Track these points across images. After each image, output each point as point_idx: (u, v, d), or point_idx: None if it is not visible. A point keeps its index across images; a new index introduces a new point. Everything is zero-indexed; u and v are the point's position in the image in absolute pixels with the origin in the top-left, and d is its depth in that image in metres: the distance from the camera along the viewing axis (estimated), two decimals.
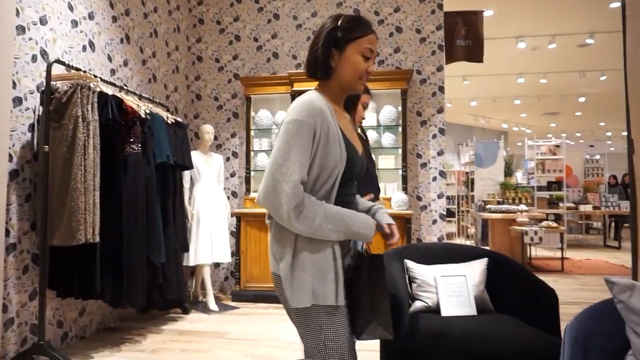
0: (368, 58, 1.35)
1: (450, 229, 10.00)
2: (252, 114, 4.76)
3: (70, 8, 3.25)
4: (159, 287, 3.44)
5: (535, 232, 5.96)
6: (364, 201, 1.58)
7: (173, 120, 3.82)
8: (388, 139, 4.49)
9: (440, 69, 4.68)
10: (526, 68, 8.58)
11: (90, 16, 3.46)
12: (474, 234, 9.02)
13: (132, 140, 3.16)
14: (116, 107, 3.00)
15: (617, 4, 5.62)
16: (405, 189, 4.37)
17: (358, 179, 1.48)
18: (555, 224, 6.66)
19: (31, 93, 2.88)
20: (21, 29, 2.81)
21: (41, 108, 2.88)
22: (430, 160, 4.67)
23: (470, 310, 2.20)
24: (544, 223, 6.52)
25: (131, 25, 4.00)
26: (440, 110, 4.67)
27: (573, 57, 7.95)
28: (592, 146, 18.11)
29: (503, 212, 6.88)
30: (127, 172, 3.10)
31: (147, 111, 3.39)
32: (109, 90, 3.07)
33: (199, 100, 5.11)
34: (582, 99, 10.80)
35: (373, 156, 3.17)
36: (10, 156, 2.72)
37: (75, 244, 2.65)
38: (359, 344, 1.99)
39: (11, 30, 2.72)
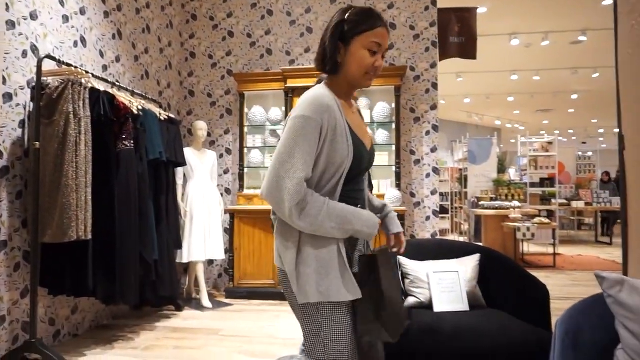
0: (375, 52, 1.31)
1: (443, 226, 10.05)
2: (246, 110, 4.74)
3: (61, 3, 3.21)
4: (152, 284, 3.43)
5: (528, 229, 6.00)
6: (377, 200, 1.56)
7: (166, 117, 3.80)
8: (381, 135, 4.49)
9: (433, 65, 4.69)
10: (519, 65, 8.62)
11: (82, 11, 3.43)
12: (467, 230, 9.08)
13: (124, 136, 3.14)
14: (108, 103, 2.98)
15: (610, 2, 5.65)
16: (398, 186, 4.38)
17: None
18: (547, 220, 6.71)
19: (22, 89, 2.85)
20: (11, 24, 2.78)
21: (32, 104, 2.85)
22: (423, 157, 4.68)
23: (462, 306, 2.21)
24: (537, 219, 6.57)
25: (123, 20, 3.97)
26: (434, 107, 4.68)
27: (566, 55, 8.00)
28: (584, 143, 18.26)
29: (496, 208, 6.92)
30: (119, 168, 3.08)
31: (140, 107, 3.36)
32: (101, 87, 3.05)
33: (192, 97, 5.08)
34: (574, 96, 10.86)
35: None
36: (1, 153, 2.70)
37: (67, 241, 2.63)
38: None
39: (1, 25, 2.69)
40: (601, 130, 16.18)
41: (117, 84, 3.54)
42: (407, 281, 2.36)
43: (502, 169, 9.38)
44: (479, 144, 8.81)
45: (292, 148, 1.22)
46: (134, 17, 4.14)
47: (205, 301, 4.12)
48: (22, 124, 2.85)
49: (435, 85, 4.69)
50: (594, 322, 1.38)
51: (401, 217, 4.13)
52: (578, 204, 9.25)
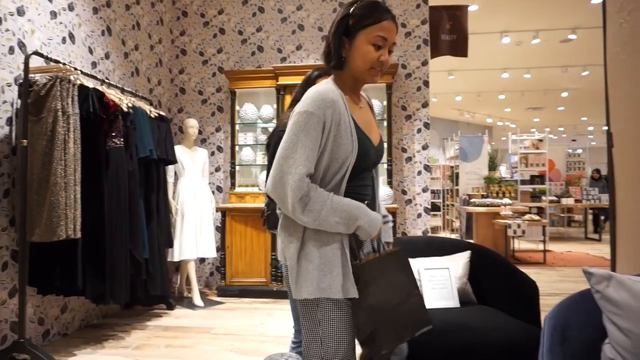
0: (380, 47, 1.27)
1: (435, 223, 10.11)
2: (237, 108, 4.72)
3: None
4: (143, 283, 3.41)
5: (519, 225, 6.05)
6: (382, 206, 1.53)
7: (156, 114, 3.77)
8: None
9: (425, 63, 4.70)
10: (510, 63, 8.66)
11: (70, 7, 3.38)
12: (458, 227, 9.13)
13: (114, 134, 3.11)
14: (97, 100, 2.95)
15: (599, 0, 5.69)
16: (390, 183, 4.39)
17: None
18: (537, 217, 6.77)
19: (9, 86, 2.81)
20: None
21: (19, 101, 2.81)
22: (415, 155, 4.69)
23: (453, 302, 2.23)
24: (527, 216, 6.63)
25: (113, 17, 3.93)
26: (425, 105, 4.69)
27: (556, 53, 8.05)
28: (574, 140, 18.43)
29: (487, 205, 6.96)
30: (109, 166, 3.05)
31: (130, 105, 3.34)
32: (90, 84, 3.02)
33: (183, 94, 5.05)
34: (564, 94, 10.95)
35: None
36: None
37: (56, 239, 2.61)
38: None
39: None
40: (591, 128, 16.34)
41: (107, 81, 3.50)
42: None
43: (493, 166, 9.45)
44: (470, 142, 8.85)
45: (295, 144, 1.22)
46: (123, 13, 4.10)
47: (197, 299, 4.10)
48: (9, 121, 2.81)
49: (426, 83, 4.70)
50: (582, 318, 1.39)
51: (393, 214, 4.14)
52: (568, 201, 9.34)
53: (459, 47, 5.14)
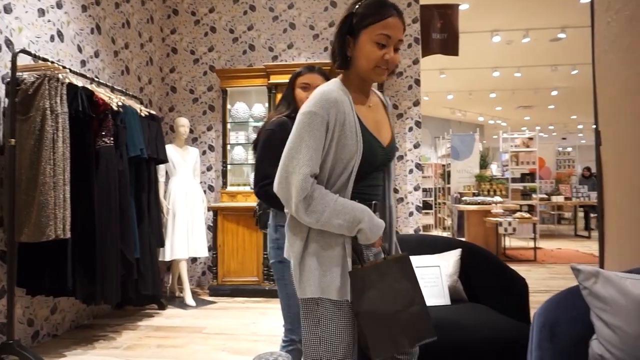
0: (384, 45, 1.24)
1: (427, 221, 10.15)
2: (229, 106, 4.70)
3: None
4: (134, 283, 3.39)
5: (509, 223, 6.10)
6: (393, 209, 1.50)
7: (147, 113, 3.74)
8: None
9: (416, 62, 4.71)
10: (501, 62, 8.71)
11: (59, 5, 3.35)
12: (450, 225, 9.18)
13: (104, 133, 3.08)
14: (87, 99, 2.93)
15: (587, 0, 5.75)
16: None
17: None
18: (528, 215, 6.82)
19: None
20: None
21: (6, 100, 2.78)
22: (406, 153, 4.71)
23: (444, 300, 2.24)
24: (518, 214, 6.68)
25: (102, 15, 3.89)
26: (417, 103, 4.70)
27: (546, 52, 8.11)
28: (564, 139, 18.59)
29: (478, 203, 7.01)
30: (99, 165, 3.03)
31: (120, 104, 3.31)
32: (79, 82, 2.99)
33: (174, 93, 5.02)
34: (554, 93, 11.04)
35: None
36: None
37: (45, 240, 2.58)
38: None
39: None
40: (580, 126, 16.49)
41: (97, 79, 3.47)
42: None
43: (484, 164, 9.51)
44: (461, 140, 8.90)
45: (299, 144, 1.23)
46: (113, 11, 4.06)
47: (189, 299, 4.08)
48: None
49: (417, 82, 4.71)
50: (571, 314, 1.41)
51: None
52: (558, 199, 9.43)
53: (449, 46, 5.16)
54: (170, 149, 4.12)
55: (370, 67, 1.27)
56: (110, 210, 3.05)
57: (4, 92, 2.81)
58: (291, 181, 1.22)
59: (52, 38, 3.27)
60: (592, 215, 9.81)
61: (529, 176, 8.97)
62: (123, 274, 3.20)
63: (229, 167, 4.67)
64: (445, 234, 8.99)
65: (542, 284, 4.85)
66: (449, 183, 9.17)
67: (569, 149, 12.76)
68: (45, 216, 2.58)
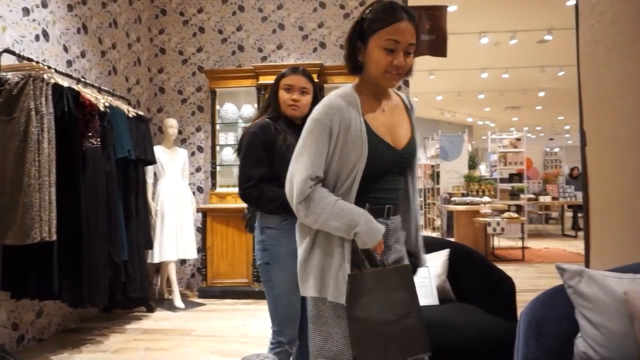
0: (392, 50, 1.23)
1: None
2: (218, 107, 4.68)
3: None
4: (122, 286, 3.35)
5: (498, 223, 6.15)
6: (419, 242, 1.47)
7: (134, 114, 3.71)
8: None
9: None
10: (489, 63, 8.79)
11: (44, 4, 3.30)
12: (439, 225, 9.23)
13: (90, 134, 3.05)
14: (73, 100, 2.89)
15: (574, 2, 5.82)
16: None
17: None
18: (516, 215, 6.89)
19: None
20: None
21: None
22: None
23: (432, 300, 2.25)
24: (506, 214, 6.74)
25: (88, 14, 3.85)
26: None
27: (533, 53, 8.20)
28: (551, 139, 18.81)
29: (467, 204, 7.05)
30: (86, 167, 2.99)
31: (107, 104, 3.28)
32: (65, 83, 2.95)
33: (162, 94, 4.98)
34: (542, 94, 11.16)
35: None
36: None
37: (30, 242, 2.54)
38: None
39: None
40: (567, 127, 16.70)
41: (83, 79, 3.43)
42: None
43: (473, 165, 9.58)
44: (450, 141, 8.96)
45: (303, 149, 1.29)
46: (99, 11, 4.02)
47: (178, 301, 4.05)
48: None
49: (406, 83, 4.73)
50: (556, 313, 1.42)
51: None
52: (545, 199, 9.53)
53: (438, 47, 5.18)
54: (158, 150, 4.09)
55: (380, 73, 1.27)
56: (98, 212, 3.02)
57: None
58: (293, 182, 1.28)
59: (37, 38, 3.23)
60: (579, 214, 9.94)
61: (517, 176, 9.06)
62: (111, 277, 3.16)
63: (218, 168, 4.64)
64: (434, 234, 9.04)
65: (530, 283, 4.90)
66: (438, 183, 9.22)
67: (556, 150, 12.90)
68: (30, 218, 2.54)
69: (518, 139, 8.97)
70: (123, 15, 4.41)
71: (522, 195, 8.87)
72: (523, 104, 12.62)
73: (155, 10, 4.99)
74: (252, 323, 3.56)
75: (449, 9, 5.47)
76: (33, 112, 2.60)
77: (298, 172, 1.27)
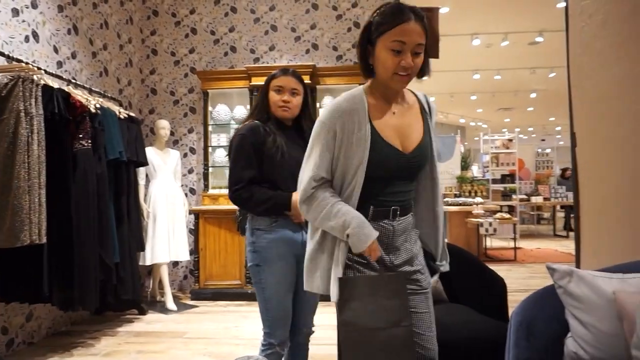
0: (399, 52, 1.23)
1: None
2: (210, 108, 4.67)
3: None
4: (113, 288, 3.33)
5: (490, 224, 6.18)
6: (443, 251, 1.53)
7: (126, 115, 3.69)
8: None
9: None
10: (481, 65, 8.84)
11: (34, 5, 3.28)
12: None
13: (81, 136, 3.03)
14: (63, 101, 2.87)
15: (564, 4, 5.87)
16: None
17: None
18: (508, 215, 6.93)
19: None
20: None
21: None
22: None
23: None
24: (498, 215, 6.77)
25: (79, 15, 3.82)
26: None
27: (524, 55, 8.26)
28: (543, 140, 18.95)
29: (460, 204, 7.08)
30: (76, 168, 2.97)
31: (98, 106, 3.25)
32: (55, 84, 2.93)
33: (154, 95, 4.96)
34: (533, 95, 11.24)
35: None
36: None
37: (20, 245, 2.51)
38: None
39: None
40: (558, 128, 16.82)
41: (74, 81, 3.41)
42: None
43: (465, 166, 9.63)
44: (443, 142, 8.99)
45: (310, 150, 1.35)
46: (90, 11, 3.99)
47: (170, 304, 4.03)
48: None
49: None
50: (546, 313, 1.43)
51: None
52: (537, 199, 9.59)
53: (430, 49, 5.20)
54: (150, 152, 4.07)
55: (389, 75, 1.26)
56: (89, 213, 2.99)
57: None
58: (300, 182, 1.36)
59: (26, 38, 3.20)
60: (572, 215, 10.01)
61: (509, 177, 9.11)
62: (102, 279, 3.14)
63: (210, 169, 4.63)
64: None
65: (522, 283, 4.92)
66: None
67: (548, 151, 13.01)
68: (19, 221, 2.51)
69: (510, 140, 9.03)
70: (114, 16, 4.38)
71: (514, 196, 8.92)
72: (515, 105, 12.70)
73: (147, 11, 4.97)
74: (245, 325, 3.54)
75: (441, 11, 5.50)
76: (22, 114, 2.58)
77: (304, 172, 1.34)
